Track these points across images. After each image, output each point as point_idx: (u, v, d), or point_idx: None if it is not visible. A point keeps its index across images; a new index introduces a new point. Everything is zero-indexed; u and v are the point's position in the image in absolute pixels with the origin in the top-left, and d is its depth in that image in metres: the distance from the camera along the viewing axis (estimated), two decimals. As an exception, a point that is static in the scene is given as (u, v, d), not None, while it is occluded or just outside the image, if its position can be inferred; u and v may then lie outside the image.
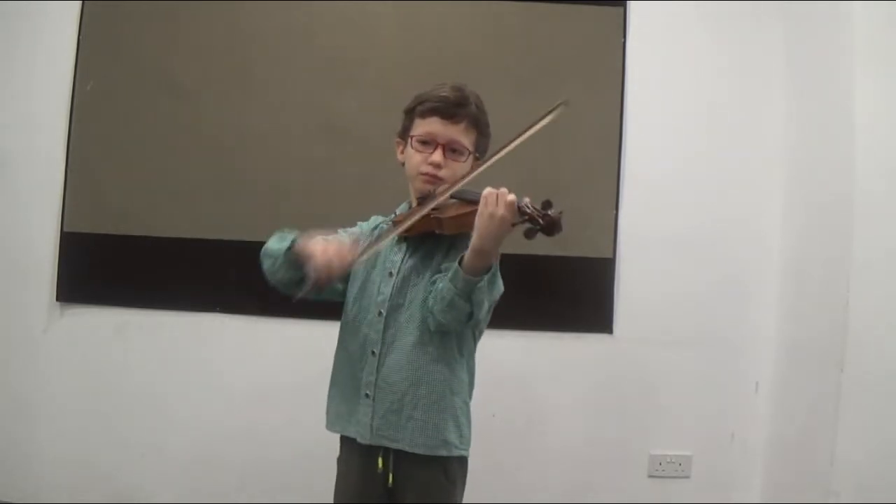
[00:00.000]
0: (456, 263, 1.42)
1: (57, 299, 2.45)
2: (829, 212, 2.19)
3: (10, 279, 2.46)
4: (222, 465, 2.43)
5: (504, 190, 1.37)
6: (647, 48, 2.49)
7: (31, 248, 2.45)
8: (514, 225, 1.38)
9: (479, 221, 1.37)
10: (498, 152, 1.49)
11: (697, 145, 2.50)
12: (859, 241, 2.04)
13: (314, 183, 2.43)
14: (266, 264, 1.56)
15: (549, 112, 1.45)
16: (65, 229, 2.44)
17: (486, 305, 1.45)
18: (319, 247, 1.43)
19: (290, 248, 1.51)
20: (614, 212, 2.47)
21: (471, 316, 1.44)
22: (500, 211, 1.35)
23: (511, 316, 2.39)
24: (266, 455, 2.41)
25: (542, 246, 2.40)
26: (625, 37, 2.48)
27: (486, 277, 1.41)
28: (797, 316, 2.35)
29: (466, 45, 2.46)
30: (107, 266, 2.46)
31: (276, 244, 1.55)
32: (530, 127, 1.45)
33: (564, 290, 2.47)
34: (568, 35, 2.47)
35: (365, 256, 1.48)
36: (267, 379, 2.42)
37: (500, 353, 2.41)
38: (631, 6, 2.49)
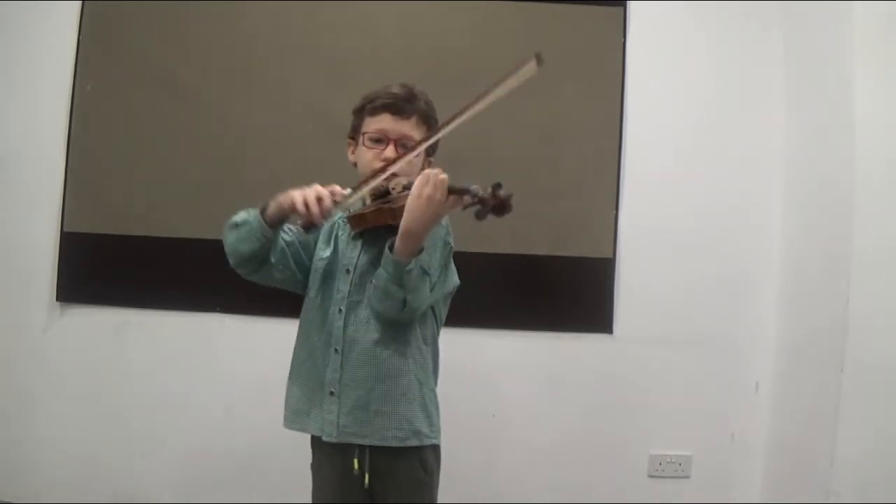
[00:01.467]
0: (386, 249, 1.42)
1: (57, 299, 2.45)
2: (829, 212, 2.19)
3: (10, 279, 2.46)
4: (222, 464, 2.43)
5: (437, 170, 1.37)
6: (647, 48, 2.49)
7: (31, 248, 2.46)
8: (464, 208, 1.37)
9: (409, 201, 1.37)
10: (459, 115, 1.41)
11: (697, 145, 2.50)
12: (859, 241, 2.04)
13: (314, 182, 2.42)
14: (231, 237, 1.55)
15: (518, 69, 1.34)
16: (65, 229, 2.44)
17: (423, 293, 1.46)
18: (300, 191, 1.44)
19: (265, 209, 1.50)
20: (614, 212, 2.47)
21: (405, 303, 1.43)
22: (428, 190, 1.35)
23: (511, 316, 2.42)
24: (266, 455, 2.41)
25: (542, 246, 2.43)
26: (625, 37, 2.48)
27: (415, 261, 1.41)
28: (797, 316, 2.35)
29: (466, 45, 2.46)
30: (107, 266, 2.46)
31: (241, 215, 1.55)
32: (495, 87, 1.37)
33: (564, 290, 2.47)
34: (568, 35, 2.47)
35: (354, 198, 1.47)
36: (267, 379, 2.41)
37: (501, 352, 2.42)
38: (631, 6, 2.49)
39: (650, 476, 2.47)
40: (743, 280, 2.49)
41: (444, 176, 1.35)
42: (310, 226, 1.46)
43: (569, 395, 2.47)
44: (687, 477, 2.47)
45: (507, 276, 2.39)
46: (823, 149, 2.26)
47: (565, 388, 2.47)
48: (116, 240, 2.44)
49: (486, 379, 2.40)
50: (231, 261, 1.57)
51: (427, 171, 1.38)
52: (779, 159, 2.48)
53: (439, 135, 1.48)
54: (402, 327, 1.53)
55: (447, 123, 1.45)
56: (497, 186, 1.35)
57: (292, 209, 1.46)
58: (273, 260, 1.57)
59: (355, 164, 1.64)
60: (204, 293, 2.44)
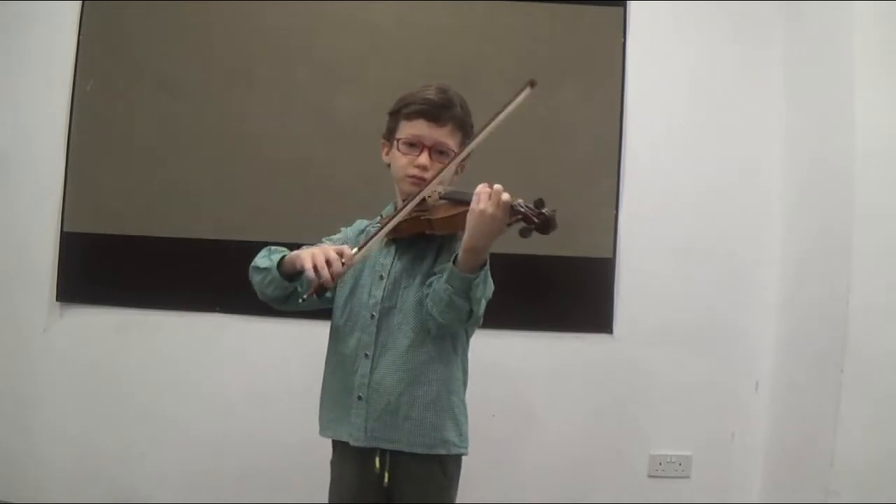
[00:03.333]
0: (451, 263, 1.42)
1: (57, 299, 2.45)
2: (829, 212, 2.19)
3: (10, 279, 2.46)
4: (222, 465, 2.43)
5: (498, 187, 1.35)
6: (647, 48, 2.49)
7: (31, 248, 2.45)
8: (508, 224, 1.37)
9: (471, 218, 1.36)
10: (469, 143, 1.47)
11: (697, 145, 2.50)
12: (859, 241, 2.04)
13: (314, 183, 2.43)
14: (256, 279, 1.59)
15: (517, 95, 1.41)
16: (65, 229, 2.44)
17: (483, 302, 1.46)
18: (310, 254, 1.45)
19: (280, 263, 1.54)
20: (614, 212, 2.47)
21: (471, 314, 1.44)
22: (491, 209, 1.34)
23: (511, 316, 2.41)
24: (266, 455, 2.41)
25: (542, 246, 2.42)
26: (625, 37, 2.48)
27: (481, 274, 1.41)
28: (797, 316, 2.35)
29: (466, 45, 2.46)
30: (106, 266, 2.46)
31: (264, 261, 1.58)
32: (497, 114, 1.41)
33: (564, 290, 2.47)
34: (568, 35, 2.48)
35: (361, 255, 1.48)
36: (267, 379, 2.42)
37: (501, 353, 2.42)
38: (631, 6, 2.49)
39: (650, 476, 2.47)
40: (743, 280, 2.49)
41: (506, 196, 1.35)
42: (321, 290, 1.47)
43: (569, 394, 2.47)
44: (687, 477, 2.47)
45: (508, 275, 2.37)
46: (823, 150, 2.25)
47: (565, 388, 2.47)
48: (116, 240, 2.44)
49: (485, 379, 2.38)
50: (259, 296, 1.61)
51: (487, 188, 1.36)
52: (779, 159, 2.48)
53: (443, 173, 1.50)
54: (435, 336, 1.53)
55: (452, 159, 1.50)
56: (540, 203, 1.36)
57: (303, 272, 1.47)
58: (300, 290, 1.57)
59: (389, 166, 1.63)
60: (204, 293, 2.44)
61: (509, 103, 1.40)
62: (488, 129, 1.42)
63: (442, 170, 1.51)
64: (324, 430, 1.63)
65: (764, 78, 2.50)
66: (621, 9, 2.49)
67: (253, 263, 1.60)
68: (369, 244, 1.49)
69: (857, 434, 2.02)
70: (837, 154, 2.14)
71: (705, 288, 2.48)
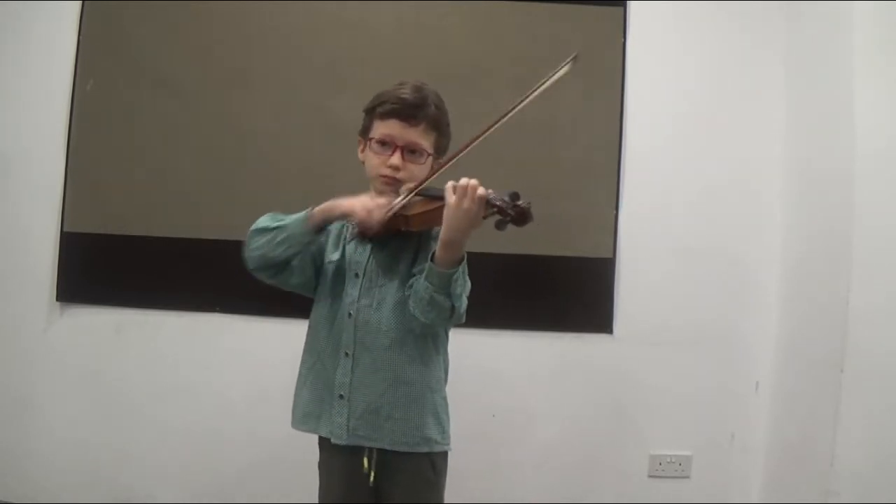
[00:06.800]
0: (428, 261, 1.43)
1: (57, 299, 2.45)
2: (829, 213, 2.19)
3: (10, 279, 2.46)
4: (222, 465, 2.43)
5: (473, 182, 1.36)
6: (647, 48, 2.49)
7: (31, 248, 2.45)
8: (484, 217, 1.38)
9: (447, 213, 1.37)
10: (501, 119, 1.44)
11: (697, 145, 2.50)
12: (859, 241, 2.04)
13: (314, 183, 2.42)
14: (261, 240, 1.55)
15: (559, 68, 1.43)
16: (65, 229, 2.44)
17: (464, 298, 1.46)
18: (359, 201, 1.50)
19: (308, 215, 1.53)
20: (614, 212, 2.47)
21: (453, 310, 1.44)
22: (467, 203, 1.36)
23: (511, 316, 2.42)
24: (266, 455, 2.41)
25: (542, 246, 2.43)
26: (625, 37, 2.48)
27: (460, 269, 1.42)
28: (797, 316, 2.35)
29: (466, 45, 2.46)
30: (107, 266, 2.46)
31: (272, 221, 1.56)
32: (539, 86, 1.43)
33: (564, 290, 2.47)
34: (568, 35, 2.47)
35: (405, 201, 1.49)
36: (267, 379, 2.42)
37: (501, 352, 2.42)
38: (631, 6, 2.49)
39: (650, 476, 2.47)
40: (743, 280, 2.49)
41: (482, 191, 1.36)
42: (365, 232, 1.52)
43: (569, 395, 2.47)
44: (687, 477, 2.47)
45: (507, 275, 2.39)
46: (823, 149, 2.25)
47: (565, 388, 2.47)
48: (116, 240, 2.44)
49: (485, 379, 2.40)
50: (252, 264, 1.57)
51: (463, 182, 1.37)
52: (779, 159, 2.48)
53: (477, 141, 1.46)
54: (415, 335, 1.53)
55: (490, 127, 1.45)
56: (515, 196, 1.36)
57: (344, 217, 1.52)
58: (294, 263, 1.57)
59: (363, 163, 1.63)
60: (204, 293, 2.44)
61: (551, 75, 1.42)
62: (528, 99, 1.42)
63: (475, 140, 1.47)
64: (298, 424, 1.63)
65: (764, 78, 2.50)
66: (621, 9, 2.48)
67: (255, 226, 1.56)
68: (412, 193, 1.49)
69: (857, 434, 2.02)
70: (837, 154, 2.14)
71: (705, 288, 2.48)
